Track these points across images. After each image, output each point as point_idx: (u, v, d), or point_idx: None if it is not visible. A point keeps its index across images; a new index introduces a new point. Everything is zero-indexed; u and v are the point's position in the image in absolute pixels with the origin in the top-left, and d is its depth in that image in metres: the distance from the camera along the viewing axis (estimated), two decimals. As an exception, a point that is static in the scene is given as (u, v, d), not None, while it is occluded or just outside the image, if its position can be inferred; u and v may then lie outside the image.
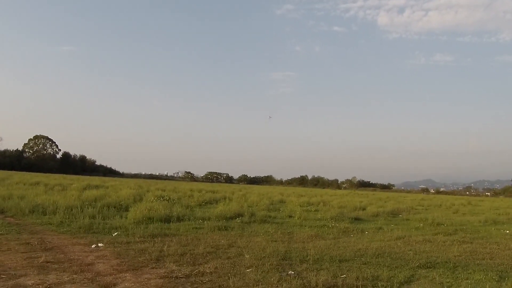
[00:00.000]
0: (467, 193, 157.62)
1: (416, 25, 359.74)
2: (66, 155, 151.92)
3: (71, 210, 15.19)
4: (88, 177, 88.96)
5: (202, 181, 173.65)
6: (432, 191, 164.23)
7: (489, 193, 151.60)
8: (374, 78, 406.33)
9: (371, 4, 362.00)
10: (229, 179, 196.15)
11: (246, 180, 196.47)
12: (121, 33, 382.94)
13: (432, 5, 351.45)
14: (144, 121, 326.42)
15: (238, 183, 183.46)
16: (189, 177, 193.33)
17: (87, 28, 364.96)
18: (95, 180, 57.77)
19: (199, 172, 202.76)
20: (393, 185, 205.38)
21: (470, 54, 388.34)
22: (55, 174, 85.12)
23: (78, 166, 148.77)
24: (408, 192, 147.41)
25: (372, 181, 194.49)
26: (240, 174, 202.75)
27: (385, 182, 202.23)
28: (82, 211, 15.08)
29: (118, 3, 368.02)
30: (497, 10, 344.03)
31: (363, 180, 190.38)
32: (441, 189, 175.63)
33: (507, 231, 17.51)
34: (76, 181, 44.31)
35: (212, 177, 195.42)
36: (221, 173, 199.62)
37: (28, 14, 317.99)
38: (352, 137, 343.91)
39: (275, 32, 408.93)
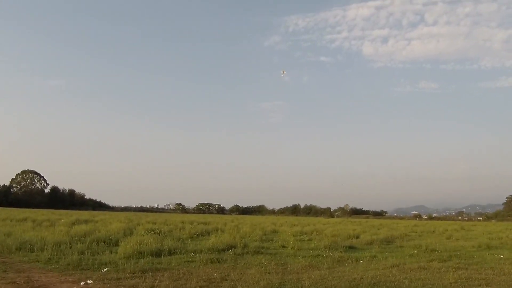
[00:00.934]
0: (460, 218, 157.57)
1: (400, 54, 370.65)
2: (54, 189, 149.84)
3: (60, 246, 14.82)
4: (77, 211, 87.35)
5: (194, 213, 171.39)
6: (424, 217, 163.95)
7: (481, 218, 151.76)
8: (362, 105, 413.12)
9: (355, 35, 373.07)
10: (221, 210, 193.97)
11: (238, 210, 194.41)
12: (110, 64, 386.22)
13: (414, 35, 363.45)
14: (134, 152, 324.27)
15: (230, 214, 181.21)
16: (180, 209, 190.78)
17: (76, 61, 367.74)
18: (84, 214, 56.75)
19: (190, 204, 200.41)
20: (385, 212, 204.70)
21: (454, 81, 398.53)
22: (43, 210, 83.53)
23: (67, 200, 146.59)
24: (401, 218, 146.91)
25: (365, 208, 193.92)
26: (232, 205, 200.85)
27: (378, 209, 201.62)
28: (71, 247, 14.73)
29: (107, 34, 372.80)
30: (477, 39, 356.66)
31: (355, 208, 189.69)
32: (434, 215, 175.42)
33: (501, 256, 17.47)
34: (64, 216, 43.47)
35: (204, 208, 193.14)
36: (212, 204, 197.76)
37: (15, 47, 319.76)
38: (343, 164, 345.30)
39: (264, 63, 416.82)
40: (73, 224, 28.81)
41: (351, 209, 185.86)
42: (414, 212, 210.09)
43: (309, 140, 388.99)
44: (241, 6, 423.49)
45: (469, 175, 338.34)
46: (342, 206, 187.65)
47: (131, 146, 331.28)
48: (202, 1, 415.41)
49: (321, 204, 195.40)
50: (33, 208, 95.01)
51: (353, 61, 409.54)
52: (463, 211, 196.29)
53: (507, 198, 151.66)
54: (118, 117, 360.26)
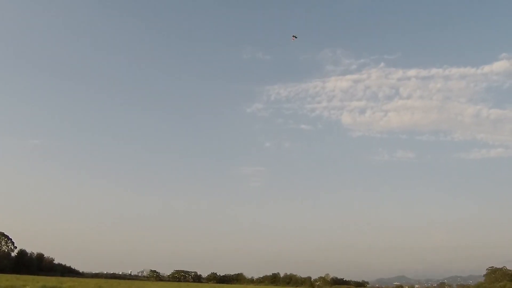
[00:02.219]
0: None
1: (378, 124, 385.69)
2: (22, 253, 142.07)
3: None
4: (44, 277, 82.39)
5: (169, 280, 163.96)
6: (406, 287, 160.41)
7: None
8: (342, 173, 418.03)
9: (335, 105, 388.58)
10: (197, 278, 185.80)
11: (216, 279, 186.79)
12: (81, 126, 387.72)
13: (390, 107, 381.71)
14: (107, 216, 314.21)
15: (208, 282, 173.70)
16: (155, 276, 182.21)
17: (50, 123, 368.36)
18: (52, 280, 53.65)
19: (165, 271, 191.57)
20: (367, 283, 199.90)
21: (429, 152, 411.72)
22: (8, 275, 78.55)
23: (34, 265, 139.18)
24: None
25: (346, 278, 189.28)
26: (209, 272, 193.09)
27: (359, 279, 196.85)
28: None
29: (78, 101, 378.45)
30: (449, 113, 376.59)
31: (336, 277, 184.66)
32: (416, 286, 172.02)
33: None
34: (30, 282, 41.07)
35: (180, 276, 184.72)
36: (189, 272, 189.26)
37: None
38: (323, 232, 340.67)
39: (246, 129, 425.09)
40: (39, 290, 27.21)
41: (332, 278, 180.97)
42: (395, 283, 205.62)
43: (290, 206, 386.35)
44: (226, 74, 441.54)
45: (449, 245, 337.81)
46: (323, 275, 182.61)
47: (105, 210, 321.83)
48: (187, 67, 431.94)
49: (302, 272, 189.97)
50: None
51: (333, 129, 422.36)
52: (444, 283, 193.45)
53: (487, 269, 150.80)
54: (94, 179, 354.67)
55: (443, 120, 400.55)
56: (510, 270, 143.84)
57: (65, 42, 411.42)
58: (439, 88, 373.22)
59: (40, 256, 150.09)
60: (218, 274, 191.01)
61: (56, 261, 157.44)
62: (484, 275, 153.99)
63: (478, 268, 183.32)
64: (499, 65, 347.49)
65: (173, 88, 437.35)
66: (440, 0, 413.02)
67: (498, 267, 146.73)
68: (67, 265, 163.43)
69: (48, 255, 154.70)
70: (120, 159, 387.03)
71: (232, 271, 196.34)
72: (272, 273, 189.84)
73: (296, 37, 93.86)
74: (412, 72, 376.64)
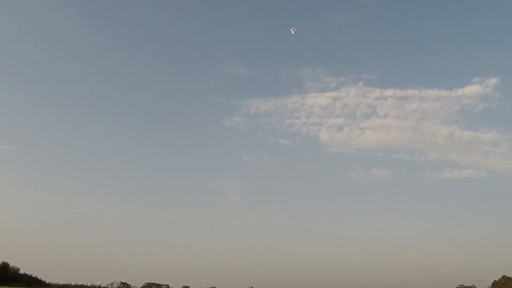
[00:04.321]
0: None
1: (355, 141, 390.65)
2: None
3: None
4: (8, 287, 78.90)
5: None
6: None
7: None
8: (319, 188, 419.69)
9: (313, 121, 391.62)
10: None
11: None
12: (55, 136, 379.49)
13: (367, 125, 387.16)
14: (76, 225, 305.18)
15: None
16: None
17: (18, 129, 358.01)
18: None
19: (137, 283, 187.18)
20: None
21: (404, 170, 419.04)
22: (-30, 284, 74.69)
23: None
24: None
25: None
26: (182, 285, 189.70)
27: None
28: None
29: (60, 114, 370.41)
30: (424, 133, 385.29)
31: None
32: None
33: None
34: (-5, 293, 39.00)
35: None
36: (161, 285, 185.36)
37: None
38: (298, 246, 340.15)
39: (224, 142, 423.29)
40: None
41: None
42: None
43: (266, 220, 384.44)
44: (206, 87, 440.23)
45: (421, 262, 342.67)
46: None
47: (75, 218, 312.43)
48: (165, 78, 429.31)
49: (276, 287, 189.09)
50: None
51: (311, 145, 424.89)
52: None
53: (457, 287, 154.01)
54: (64, 187, 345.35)
55: (418, 140, 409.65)
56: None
57: (43, 54, 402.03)
58: (415, 109, 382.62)
59: (4, 266, 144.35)
60: (191, 287, 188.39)
61: (21, 271, 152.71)
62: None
63: (448, 286, 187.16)
64: (471, 89, 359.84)
65: (152, 100, 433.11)
66: (417, 25, 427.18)
67: (467, 285, 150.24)
68: (33, 275, 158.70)
69: (13, 265, 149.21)
70: (95, 171, 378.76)
71: (205, 285, 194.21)
72: (246, 287, 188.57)
73: (295, 30, 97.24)
74: (389, 92, 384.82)
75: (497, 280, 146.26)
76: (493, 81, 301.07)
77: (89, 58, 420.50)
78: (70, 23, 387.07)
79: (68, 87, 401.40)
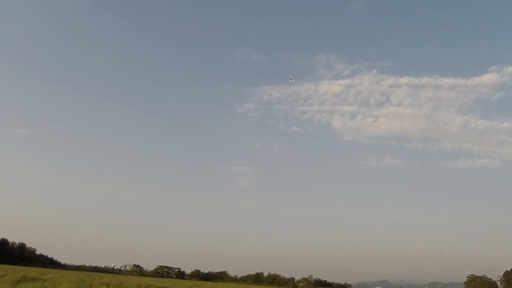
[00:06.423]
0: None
1: (367, 130, 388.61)
2: (3, 242, 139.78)
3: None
4: (25, 268, 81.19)
5: (152, 276, 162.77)
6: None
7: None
8: (329, 176, 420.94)
9: (326, 109, 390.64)
10: (180, 274, 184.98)
11: (199, 276, 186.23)
12: (72, 122, 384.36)
13: (380, 113, 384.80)
14: (92, 208, 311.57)
15: (190, 279, 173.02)
16: (138, 271, 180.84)
17: (36, 113, 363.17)
18: (33, 271, 52.86)
19: (149, 266, 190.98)
20: (349, 285, 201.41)
21: (416, 159, 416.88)
22: (-13, 264, 77.07)
23: (15, 255, 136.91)
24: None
25: (329, 279, 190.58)
26: (192, 269, 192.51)
27: (341, 281, 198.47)
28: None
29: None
30: (438, 121, 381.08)
31: (319, 279, 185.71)
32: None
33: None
34: (10, 272, 40.37)
35: (163, 272, 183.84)
36: (172, 268, 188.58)
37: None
38: (309, 233, 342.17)
39: (236, 129, 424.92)
40: (19, 281, 26.76)
41: (315, 280, 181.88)
42: (377, 287, 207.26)
43: (276, 206, 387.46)
44: (219, 74, 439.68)
45: (432, 251, 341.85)
46: (306, 276, 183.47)
47: (91, 202, 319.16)
48: (179, 66, 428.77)
49: (285, 273, 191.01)
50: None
51: (323, 133, 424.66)
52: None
53: (468, 277, 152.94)
54: (81, 172, 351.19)
55: (432, 129, 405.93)
56: (490, 279, 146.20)
57: (61, 41, 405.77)
58: (429, 97, 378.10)
59: (21, 246, 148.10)
60: (201, 271, 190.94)
61: (38, 252, 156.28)
62: (464, 283, 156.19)
63: (459, 276, 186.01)
64: (488, 78, 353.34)
65: (165, 86, 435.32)
66: (434, 12, 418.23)
67: (478, 275, 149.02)
68: (49, 256, 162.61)
69: (30, 246, 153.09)
70: (110, 155, 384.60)
71: (215, 269, 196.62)
72: (256, 273, 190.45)
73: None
74: (403, 80, 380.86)
75: (508, 270, 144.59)
76: (511, 69, 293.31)
77: (105, 45, 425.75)
78: (89, 11, 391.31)
79: (84, 73, 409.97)
